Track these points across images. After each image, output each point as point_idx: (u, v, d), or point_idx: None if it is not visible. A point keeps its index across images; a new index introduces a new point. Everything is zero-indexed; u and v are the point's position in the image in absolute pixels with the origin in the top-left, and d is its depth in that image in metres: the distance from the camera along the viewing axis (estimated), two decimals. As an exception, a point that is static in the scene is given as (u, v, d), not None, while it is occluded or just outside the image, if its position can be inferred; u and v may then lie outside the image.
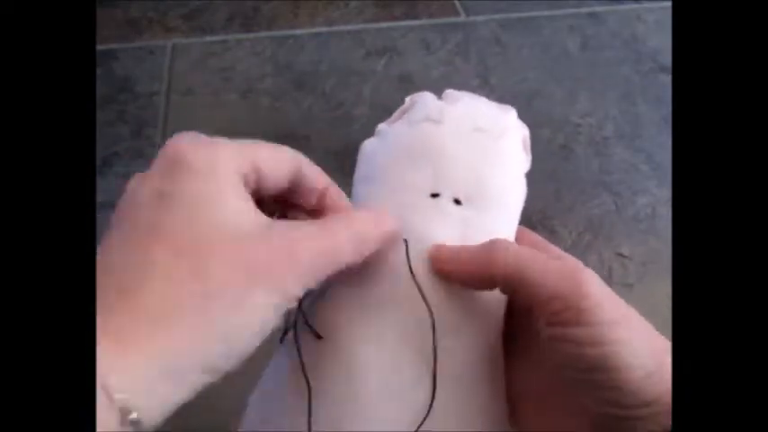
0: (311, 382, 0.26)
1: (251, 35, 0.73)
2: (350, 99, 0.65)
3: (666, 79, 0.69)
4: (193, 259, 0.19)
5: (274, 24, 0.74)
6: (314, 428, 0.25)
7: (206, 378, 0.19)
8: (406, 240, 0.26)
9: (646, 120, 0.64)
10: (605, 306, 0.22)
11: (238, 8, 0.76)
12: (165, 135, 0.62)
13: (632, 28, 0.75)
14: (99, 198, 0.53)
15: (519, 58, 0.71)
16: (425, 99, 0.30)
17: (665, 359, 0.22)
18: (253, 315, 0.20)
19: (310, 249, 0.22)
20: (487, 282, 0.25)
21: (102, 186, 0.55)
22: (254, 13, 0.76)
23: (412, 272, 0.26)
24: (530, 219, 0.55)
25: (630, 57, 0.71)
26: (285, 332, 0.27)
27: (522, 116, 0.33)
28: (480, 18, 0.75)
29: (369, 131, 0.32)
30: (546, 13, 0.76)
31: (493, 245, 0.25)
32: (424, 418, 0.25)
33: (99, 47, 0.70)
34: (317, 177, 0.25)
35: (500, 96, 0.65)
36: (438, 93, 0.31)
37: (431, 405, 0.25)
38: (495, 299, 0.26)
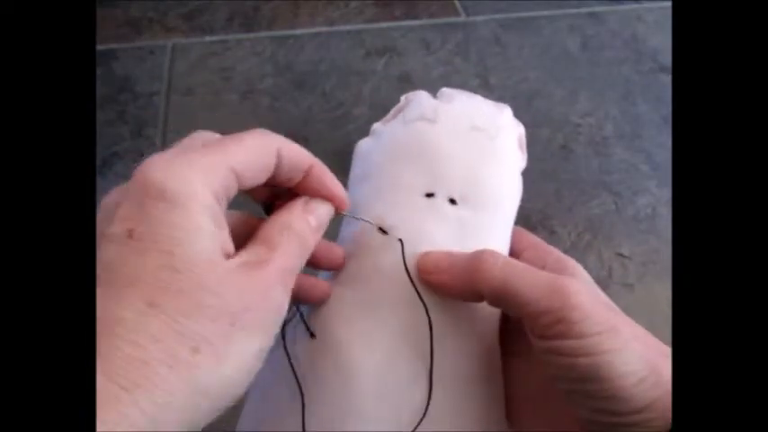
0: (307, 382, 0.25)
1: (251, 35, 0.73)
2: (350, 99, 0.65)
3: (666, 79, 0.69)
4: (170, 313, 0.18)
5: (274, 24, 0.74)
6: (309, 429, 0.25)
7: (187, 429, 0.19)
8: (401, 240, 0.26)
9: (646, 120, 0.64)
10: (594, 317, 0.22)
11: (238, 8, 0.76)
12: (165, 135, 0.62)
13: (632, 28, 0.75)
14: (99, 198, 0.53)
15: (519, 58, 0.71)
16: (420, 98, 0.30)
17: (658, 363, 0.22)
18: (237, 365, 0.19)
19: (280, 281, 0.21)
20: (474, 296, 0.25)
21: (102, 186, 0.55)
22: (254, 13, 0.76)
23: (408, 272, 0.26)
24: (530, 219, 0.55)
25: (630, 57, 0.71)
26: (283, 326, 0.27)
27: (522, 116, 0.32)
28: (480, 18, 0.75)
29: (368, 131, 0.32)
30: (546, 13, 0.76)
31: (479, 257, 0.24)
32: (421, 419, 0.25)
33: (99, 47, 0.70)
34: (299, 158, 0.24)
35: (500, 96, 0.65)
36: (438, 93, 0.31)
37: (427, 405, 0.25)
38: None
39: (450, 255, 0.26)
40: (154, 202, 0.19)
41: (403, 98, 0.31)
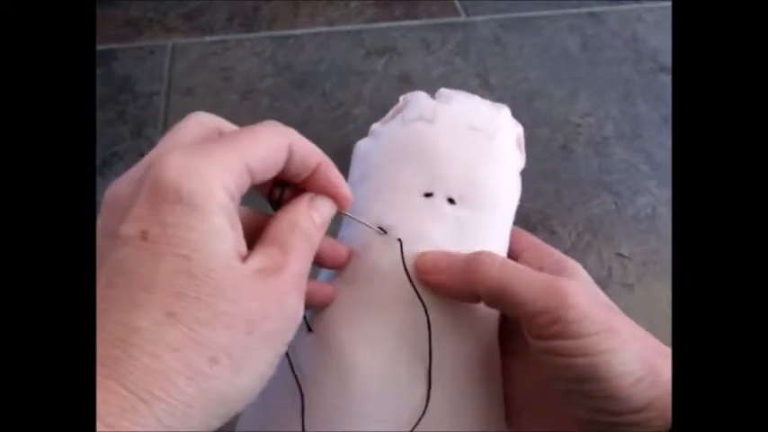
0: (307, 382, 0.26)
1: (251, 35, 0.73)
2: (350, 99, 0.65)
3: (666, 79, 0.68)
4: (187, 322, 0.18)
5: (274, 24, 0.74)
6: (309, 429, 0.25)
7: None
8: (400, 240, 0.26)
9: (646, 120, 0.64)
10: (592, 317, 0.22)
11: (238, 8, 0.76)
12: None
13: (632, 28, 0.75)
14: (99, 198, 0.53)
15: (519, 58, 0.71)
16: (419, 98, 0.30)
17: (656, 363, 0.22)
18: (253, 374, 0.20)
19: (296, 287, 0.21)
20: (471, 296, 0.25)
21: (102, 186, 0.55)
22: (254, 13, 0.76)
23: (407, 271, 0.26)
24: (529, 219, 0.55)
25: (630, 57, 0.71)
26: None
27: (521, 116, 0.32)
28: (480, 18, 0.75)
29: (368, 131, 0.32)
30: (546, 13, 0.76)
31: (477, 258, 0.25)
32: (420, 418, 0.25)
33: (99, 47, 0.70)
34: (309, 154, 0.24)
35: (500, 96, 0.65)
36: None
37: (426, 405, 0.25)
38: None
39: (448, 255, 0.26)
40: (169, 203, 0.19)
41: (402, 99, 0.31)
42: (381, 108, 0.31)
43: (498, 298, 0.24)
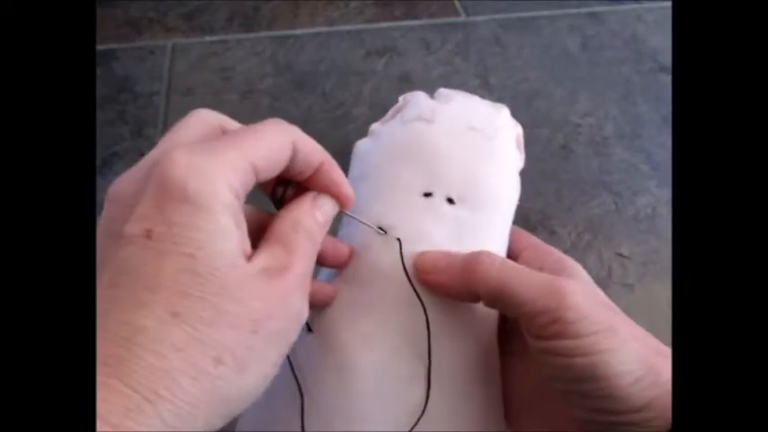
0: (307, 382, 0.25)
1: (251, 35, 0.73)
2: (350, 99, 0.65)
3: (666, 79, 0.68)
4: (191, 322, 0.18)
5: (274, 24, 0.74)
6: (309, 428, 0.25)
7: None
8: (399, 240, 0.26)
9: (646, 120, 0.64)
10: (591, 317, 0.22)
11: (238, 8, 0.76)
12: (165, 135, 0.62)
13: (632, 28, 0.75)
14: (99, 198, 0.53)
15: (519, 58, 0.71)
16: (418, 98, 0.30)
17: (655, 362, 0.22)
18: (257, 374, 0.20)
19: (300, 287, 0.21)
20: (470, 295, 0.25)
21: (102, 186, 0.55)
22: (254, 13, 0.76)
23: (406, 271, 0.26)
24: (529, 219, 0.55)
25: (630, 57, 0.71)
26: None
27: (521, 116, 0.32)
28: (480, 18, 0.75)
29: (368, 131, 0.32)
30: (546, 13, 0.76)
31: (476, 258, 0.25)
32: (419, 418, 0.25)
33: (99, 47, 0.70)
34: (312, 153, 0.24)
35: (500, 96, 0.65)
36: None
37: (425, 405, 0.25)
38: None
39: (447, 255, 0.26)
40: (174, 202, 0.18)
41: (401, 99, 0.31)
42: (381, 108, 0.31)
43: (497, 298, 0.24)
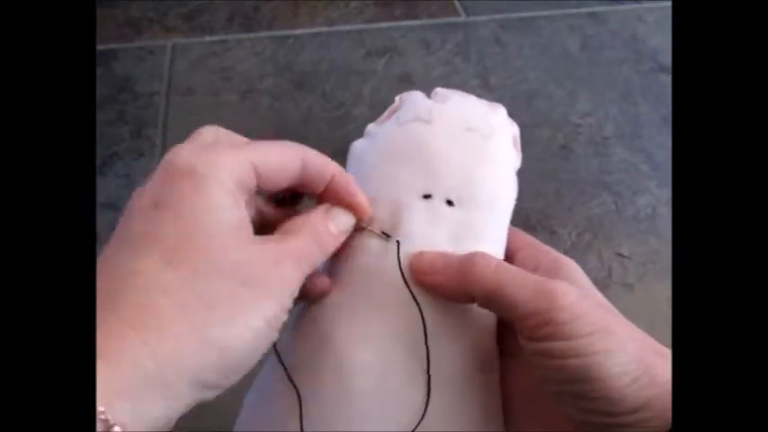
0: (305, 384, 0.25)
1: (251, 35, 0.73)
2: (350, 99, 0.65)
3: (666, 79, 0.68)
4: (185, 269, 0.19)
5: (274, 24, 0.74)
6: (307, 429, 0.25)
7: (198, 393, 0.19)
8: (398, 242, 0.26)
9: (646, 120, 0.64)
10: (584, 318, 0.22)
11: (238, 8, 0.76)
12: (165, 135, 0.62)
13: (632, 28, 0.75)
14: (99, 198, 0.53)
15: (519, 58, 0.71)
16: (415, 98, 0.30)
17: (652, 363, 0.22)
18: (247, 324, 0.20)
19: (292, 260, 0.22)
20: (465, 296, 0.25)
21: (102, 186, 0.55)
22: (254, 13, 0.76)
23: (402, 274, 0.26)
24: (529, 219, 0.55)
25: (630, 57, 0.71)
26: None
27: (521, 116, 0.33)
28: (480, 18, 0.75)
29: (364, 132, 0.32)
30: (546, 13, 0.76)
31: (472, 259, 0.25)
32: (420, 419, 0.25)
33: (99, 47, 0.70)
34: (323, 166, 0.25)
35: (500, 96, 0.65)
36: (438, 93, 0.31)
37: (426, 406, 0.25)
38: None
39: (444, 256, 0.26)
40: (181, 179, 0.21)
41: (397, 99, 0.31)
42: (381, 108, 0.31)
43: (491, 299, 0.24)
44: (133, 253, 0.20)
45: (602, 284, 0.51)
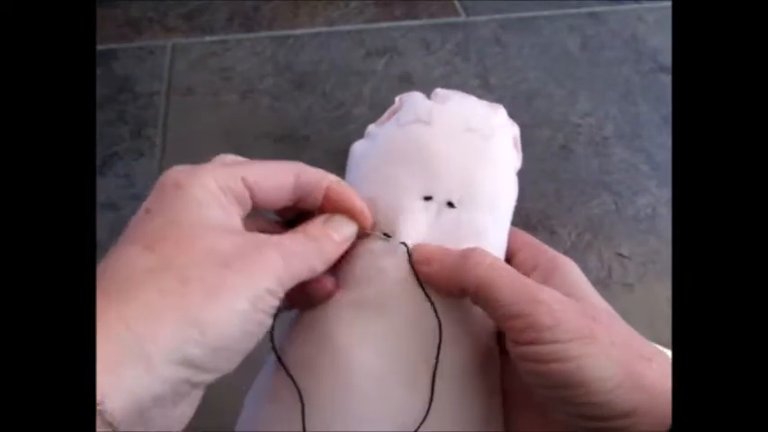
0: (306, 383, 0.25)
1: (251, 35, 0.73)
2: (350, 99, 0.65)
3: (666, 79, 0.68)
4: (164, 252, 0.20)
5: (274, 24, 0.74)
6: (309, 428, 0.25)
7: (184, 373, 0.19)
8: (405, 243, 0.26)
9: (646, 120, 0.64)
10: (566, 324, 0.22)
11: (238, 8, 0.76)
12: (165, 135, 0.62)
13: (632, 28, 0.75)
14: (99, 198, 0.53)
15: (519, 58, 0.71)
16: (415, 99, 0.30)
17: (636, 367, 0.22)
18: (227, 303, 0.20)
19: (277, 248, 0.22)
20: (459, 291, 0.25)
21: (102, 186, 0.55)
22: (254, 13, 0.76)
23: (417, 275, 0.26)
24: (530, 219, 0.55)
25: (630, 57, 0.71)
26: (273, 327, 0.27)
27: (521, 116, 0.33)
28: (480, 18, 0.75)
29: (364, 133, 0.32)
30: (546, 13, 0.76)
31: (468, 254, 0.25)
32: (423, 419, 0.25)
33: (99, 47, 0.70)
34: (317, 179, 0.25)
35: (500, 96, 0.65)
36: (438, 93, 0.31)
37: (429, 406, 0.25)
38: None
39: (443, 249, 0.26)
40: (169, 188, 0.22)
41: (397, 99, 0.31)
42: (381, 108, 0.31)
43: (480, 296, 0.24)
44: (119, 249, 0.21)
45: (602, 284, 0.51)
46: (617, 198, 0.58)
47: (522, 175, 0.31)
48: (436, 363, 0.25)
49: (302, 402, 0.25)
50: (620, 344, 0.22)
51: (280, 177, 0.24)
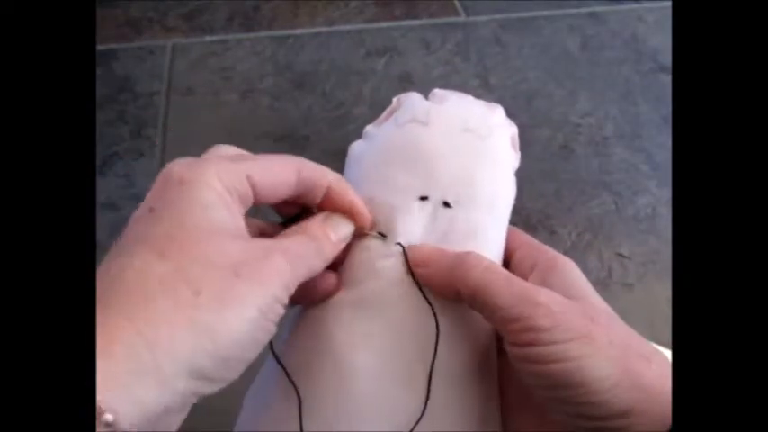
0: (305, 384, 0.25)
1: (251, 35, 0.73)
2: (350, 99, 0.65)
3: (666, 79, 0.69)
4: (176, 260, 0.20)
5: (274, 24, 0.74)
6: (306, 429, 0.25)
7: (195, 384, 0.19)
8: (400, 244, 0.26)
9: (646, 120, 0.64)
10: (564, 324, 0.22)
11: (238, 8, 0.76)
12: (165, 135, 0.62)
13: (632, 28, 0.75)
14: (99, 198, 0.53)
15: (519, 58, 0.71)
16: (412, 99, 0.30)
17: (634, 367, 0.22)
18: (238, 312, 0.20)
19: (284, 254, 0.22)
20: (454, 293, 0.25)
21: (102, 186, 0.55)
22: (254, 13, 0.76)
23: (413, 275, 0.26)
24: (530, 219, 0.55)
25: (630, 57, 0.71)
26: None
27: (521, 116, 0.33)
28: (480, 18, 0.75)
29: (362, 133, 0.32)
30: (546, 13, 0.76)
31: (463, 258, 0.25)
32: (419, 419, 0.25)
33: (99, 47, 0.70)
34: (319, 176, 0.25)
35: (500, 96, 0.65)
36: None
37: (425, 406, 0.25)
38: None
39: (440, 250, 0.26)
40: (173, 185, 0.22)
41: (395, 100, 0.31)
42: (381, 108, 0.31)
43: (476, 300, 0.24)
44: (127, 254, 0.20)
45: (602, 284, 0.51)
46: (617, 198, 0.58)
47: (521, 175, 0.31)
48: (432, 363, 0.25)
49: (300, 402, 0.25)
50: (618, 344, 0.22)
51: (282, 174, 0.24)
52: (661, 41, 0.73)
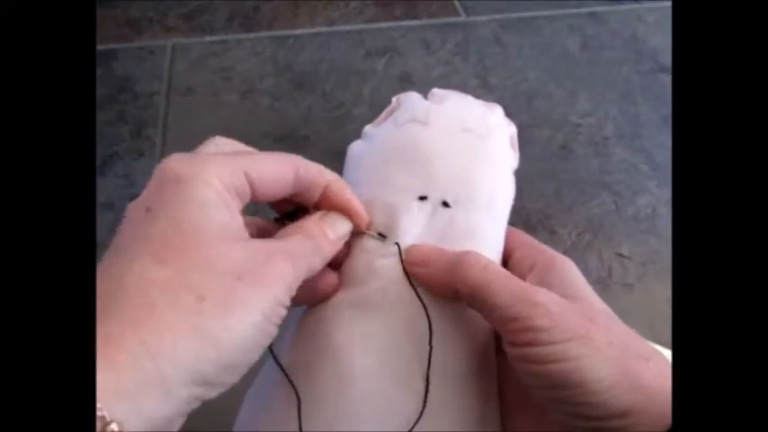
0: (305, 384, 0.25)
1: (251, 35, 0.73)
2: (350, 99, 0.65)
3: (666, 79, 0.69)
4: (175, 264, 0.19)
5: (274, 24, 0.74)
6: (306, 428, 0.25)
7: (198, 390, 0.19)
8: (398, 244, 0.26)
9: (646, 120, 0.65)
10: (563, 325, 0.22)
11: (238, 8, 0.76)
12: (165, 135, 0.62)
13: (632, 28, 0.75)
14: (99, 198, 0.53)
15: (519, 58, 0.71)
16: (411, 99, 0.30)
17: (633, 367, 0.22)
18: (242, 317, 0.20)
19: (286, 256, 0.22)
20: (453, 293, 0.25)
21: (102, 186, 0.55)
22: (254, 13, 0.76)
23: (407, 274, 0.26)
24: (530, 219, 0.55)
25: (630, 57, 0.71)
26: None
27: (521, 116, 0.33)
28: (480, 18, 0.75)
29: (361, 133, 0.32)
30: (546, 13, 0.76)
31: (462, 257, 0.25)
32: (418, 419, 0.25)
33: (99, 47, 0.70)
34: (317, 175, 0.25)
35: (500, 96, 0.65)
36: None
37: (423, 406, 0.25)
38: None
39: (438, 250, 0.26)
40: (170, 183, 0.21)
41: (394, 99, 0.31)
42: (381, 108, 0.32)
43: (475, 299, 0.24)
44: (125, 257, 0.20)
45: (602, 284, 0.51)
46: (617, 198, 0.58)
47: (521, 175, 0.31)
48: (429, 363, 0.25)
49: (299, 402, 0.25)
50: (616, 344, 0.22)
51: (280, 172, 0.24)
52: (661, 41, 0.73)
